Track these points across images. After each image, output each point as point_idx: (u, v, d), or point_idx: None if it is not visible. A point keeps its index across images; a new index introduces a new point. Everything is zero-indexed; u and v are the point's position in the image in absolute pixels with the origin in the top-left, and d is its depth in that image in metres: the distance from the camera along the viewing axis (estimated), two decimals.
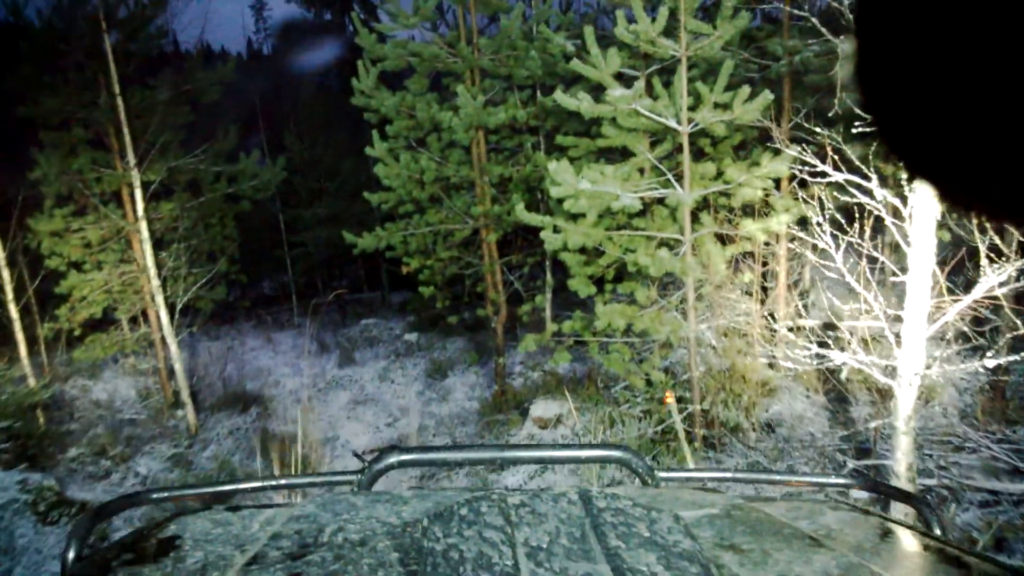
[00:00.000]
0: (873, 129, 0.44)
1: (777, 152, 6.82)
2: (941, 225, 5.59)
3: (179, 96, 11.41)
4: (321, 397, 12.69)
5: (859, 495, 5.43)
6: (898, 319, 5.46)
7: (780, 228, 7.19)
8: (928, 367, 5.39)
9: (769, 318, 8.38)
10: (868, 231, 5.59)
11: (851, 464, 6.39)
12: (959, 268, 5.71)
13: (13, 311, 10.36)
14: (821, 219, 5.76)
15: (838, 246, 5.70)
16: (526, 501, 1.27)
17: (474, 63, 8.66)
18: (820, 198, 5.86)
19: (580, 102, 6.76)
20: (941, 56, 0.37)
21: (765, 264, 8.62)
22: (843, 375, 7.41)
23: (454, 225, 9.36)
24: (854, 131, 5.38)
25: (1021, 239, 5.53)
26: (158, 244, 11.81)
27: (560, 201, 7.19)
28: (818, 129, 6.06)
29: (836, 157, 5.67)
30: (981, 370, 6.03)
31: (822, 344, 5.95)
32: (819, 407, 8.14)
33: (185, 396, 11.46)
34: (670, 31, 6.71)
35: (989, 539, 5.57)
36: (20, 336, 10.60)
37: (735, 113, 6.53)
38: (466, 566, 1.02)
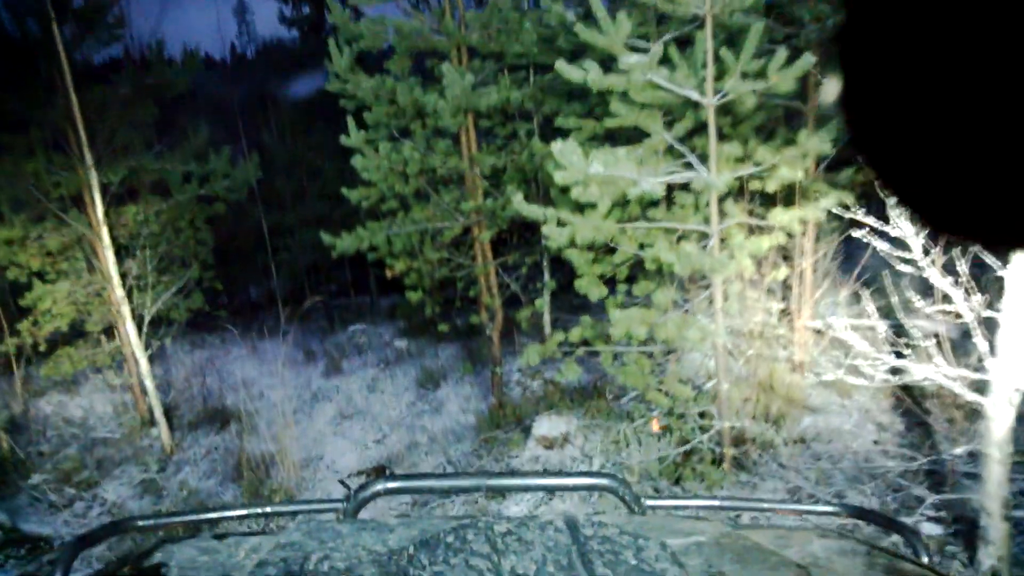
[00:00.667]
0: (863, 160, 0.42)
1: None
2: None
3: (141, 91, 10.15)
4: (306, 410, 11.45)
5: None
6: (990, 322, 4.30)
7: (818, 216, 6.03)
8: None
9: (797, 318, 7.22)
10: None
11: (930, 498, 5.21)
12: None
13: None
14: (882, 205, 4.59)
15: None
16: (513, 529, 1.22)
17: (461, 40, 7.44)
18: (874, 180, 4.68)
19: (587, 72, 5.57)
20: (926, 93, 0.36)
21: (786, 258, 7.44)
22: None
23: (443, 223, 8.15)
24: None
25: None
26: (124, 251, 10.57)
27: (564, 190, 6.00)
28: None
29: None
30: None
31: (898, 354, 4.77)
32: (860, 417, 6.98)
33: (158, 415, 10.22)
34: None
35: None
36: None
37: (770, 81, 5.36)
38: None
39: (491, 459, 7.44)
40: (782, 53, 5.32)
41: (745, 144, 6.07)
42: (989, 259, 4.19)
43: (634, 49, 5.69)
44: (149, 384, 10.14)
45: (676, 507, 1.71)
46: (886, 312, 5.55)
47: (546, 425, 7.15)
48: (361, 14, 7.74)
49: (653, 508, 1.63)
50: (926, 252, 4.53)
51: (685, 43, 6.21)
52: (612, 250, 6.47)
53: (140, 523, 1.63)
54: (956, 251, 4.55)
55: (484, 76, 7.92)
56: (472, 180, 8.03)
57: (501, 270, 8.69)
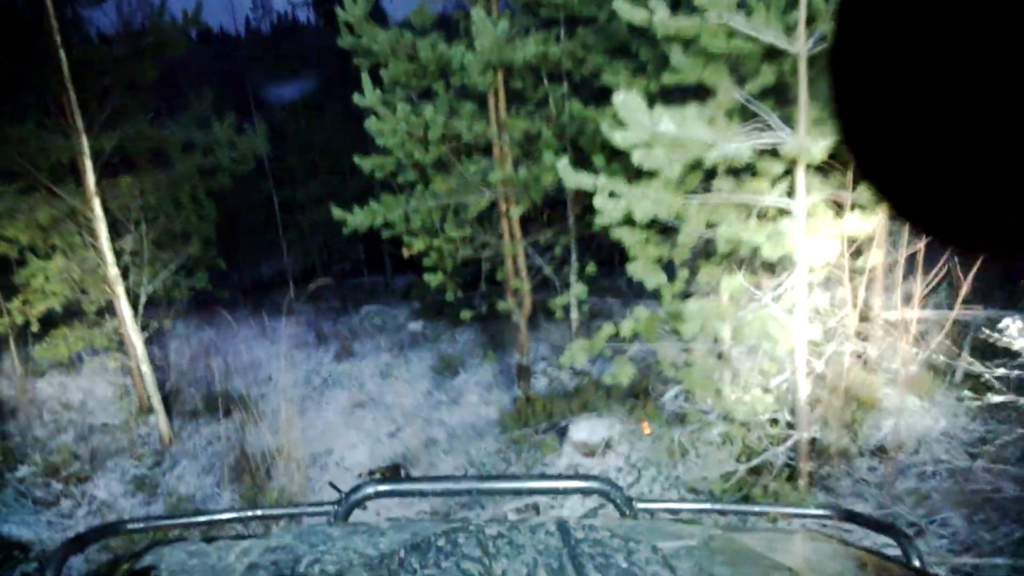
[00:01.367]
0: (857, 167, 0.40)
1: None
2: None
3: (139, 52, 9.02)
4: (315, 397, 10.42)
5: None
6: None
7: None
8: None
9: (870, 309, 6.09)
10: None
11: None
12: None
13: None
14: None
15: None
16: (504, 532, 1.18)
17: None
18: None
19: (652, 13, 4.44)
20: (918, 103, 0.35)
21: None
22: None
23: (467, 196, 7.04)
24: None
25: None
26: (120, 226, 9.52)
27: (613, 158, 4.89)
28: None
29: None
30: None
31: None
32: (948, 423, 5.87)
33: (156, 402, 9.21)
34: None
35: None
36: None
37: None
38: None
39: (521, 464, 6.36)
40: None
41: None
42: None
43: None
44: (146, 369, 9.12)
45: (667, 510, 1.68)
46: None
47: (585, 428, 6.05)
48: None
49: (645, 511, 1.58)
50: None
51: None
52: (666, 229, 5.36)
53: (131, 526, 1.57)
54: None
55: (515, 32, 6.75)
56: (501, 148, 6.91)
57: (532, 250, 7.56)
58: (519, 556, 1.09)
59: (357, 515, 1.53)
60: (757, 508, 1.84)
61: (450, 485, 1.67)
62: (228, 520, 1.67)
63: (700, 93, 5.15)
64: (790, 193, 4.74)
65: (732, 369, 4.99)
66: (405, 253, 7.09)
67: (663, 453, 5.60)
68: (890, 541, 1.42)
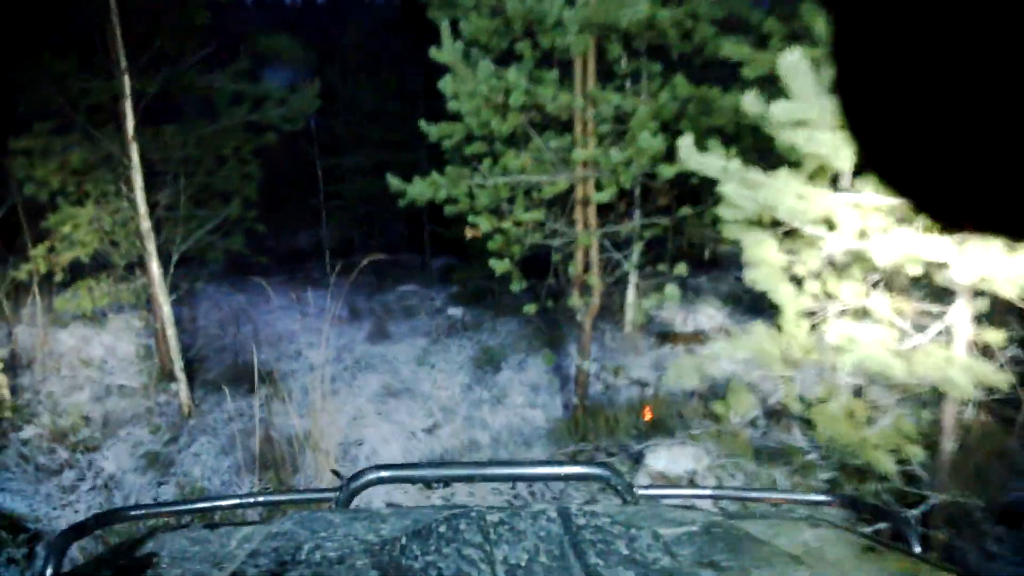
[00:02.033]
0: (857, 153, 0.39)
1: None
2: None
3: None
4: (347, 379, 9.54)
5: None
6: None
7: None
8: None
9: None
10: None
11: None
12: None
13: None
14: None
15: None
16: (505, 519, 1.14)
17: None
18: None
19: None
20: (922, 88, 0.33)
21: None
22: None
23: (541, 175, 6.08)
24: None
25: None
26: (158, 177, 8.70)
27: (730, 141, 3.89)
28: None
29: None
30: None
31: None
32: None
33: (178, 369, 8.39)
34: None
35: None
36: None
37: None
38: None
39: (585, 492, 5.40)
40: None
41: None
42: None
43: None
44: (171, 332, 8.31)
45: (668, 496, 1.67)
46: None
47: (664, 457, 5.08)
48: None
49: (646, 498, 1.55)
50: None
51: None
52: (789, 231, 4.37)
53: (132, 513, 1.53)
54: None
55: None
56: (585, 124, 5.93)
57: (608, 243, 6.58)
58: (520, 542, 1.05)
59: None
60: (757, 494, 1.79)
61: (451, 471, 1.63)
62: (229, 507, 1.63)
63: None
64: None
65: (873, 408, 3.99)
66: (468, 234, 6.13)
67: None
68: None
